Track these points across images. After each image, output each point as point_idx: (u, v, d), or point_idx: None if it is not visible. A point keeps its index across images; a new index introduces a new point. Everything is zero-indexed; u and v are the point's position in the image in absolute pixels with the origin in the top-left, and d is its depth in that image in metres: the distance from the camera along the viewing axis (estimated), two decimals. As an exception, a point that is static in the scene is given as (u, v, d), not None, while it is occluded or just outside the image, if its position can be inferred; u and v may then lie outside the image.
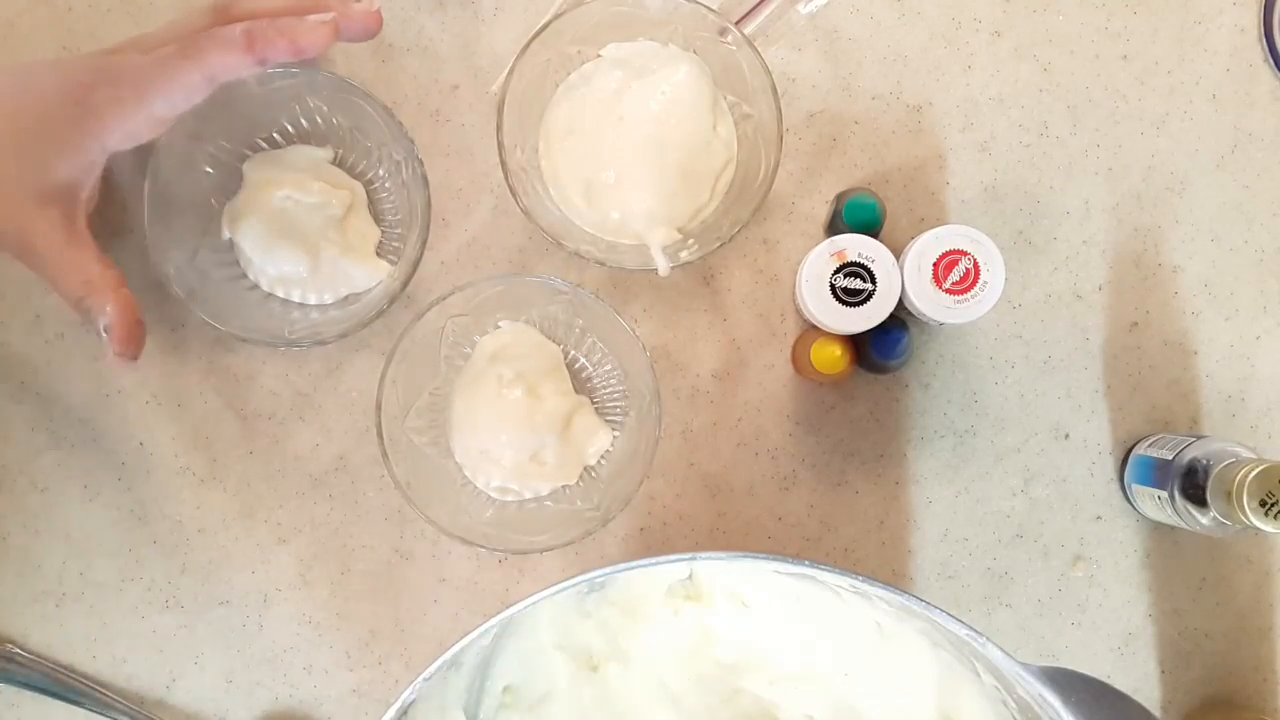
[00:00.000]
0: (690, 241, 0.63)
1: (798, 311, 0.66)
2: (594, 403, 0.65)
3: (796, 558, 0.51)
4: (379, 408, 0.60)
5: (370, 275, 0.64)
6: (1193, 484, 0.60)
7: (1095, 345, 0.67)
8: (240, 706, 0.65)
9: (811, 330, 0.65)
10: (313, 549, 0.66)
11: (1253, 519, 0.56)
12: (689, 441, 0.66)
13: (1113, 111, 0.67)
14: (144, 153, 0.59)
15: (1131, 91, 0.67)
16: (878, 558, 0.67)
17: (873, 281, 0.60)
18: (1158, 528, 0.67)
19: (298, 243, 0.63)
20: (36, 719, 0.65)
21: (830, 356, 0.62)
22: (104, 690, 0.65)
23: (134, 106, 0.54)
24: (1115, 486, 0.67)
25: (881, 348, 0.63)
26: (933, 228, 0.60)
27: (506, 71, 0.62)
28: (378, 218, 0.66)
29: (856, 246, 0.60)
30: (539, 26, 0.61)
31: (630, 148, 0.63)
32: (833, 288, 0.60)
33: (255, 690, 0.65)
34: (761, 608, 0.58)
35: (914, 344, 0.65)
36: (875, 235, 0.63)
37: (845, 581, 0.51)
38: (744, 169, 0.64)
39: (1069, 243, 0.67)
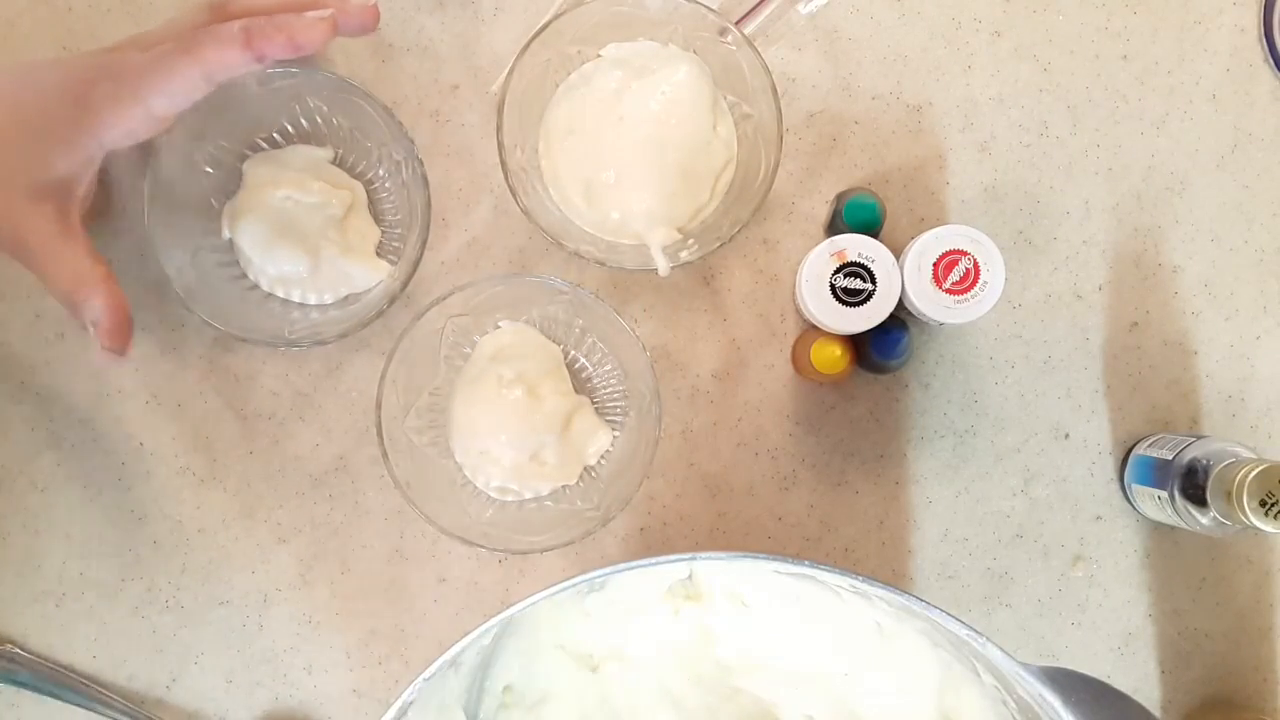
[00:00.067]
0: (690, 241, 0.63)
1: (798, 311, 0.66)
2: (594, 403, 0.65)
3: (796, 558, 0.51)
4: (379, 408, 0.60)
5: (370, 275, 0.64)
6: (1193, 484, 0.60)
7: (1095, 345, 0.67)
8: (240, 706, 0.65)
9: (811, 330, 0.65)
10: (313, 549, 0.66)
11: (1253, 519, 0.56)
12: (689, 441, 0.66)
13: (1113, 111, 0.67)
14: (144, 152, 0.60)
15: (1131, 91, 0.67)
16: (878, 558, 0.67)
17: (873, 281, 0.60)
18: (1158, 528, 0.67)
19: (298, 243, 0.63)
20: (36, 719, 0.65)
21: (830, 356, 0.62)
22: (104, 690, 0.65)
23: (132, 104, 0.54)
24: (1115, 486, 0.67)
25: (881, 348, 0.63)
26: (933, 228, 0.60)
27: (506, 71, 0.62)
28: (378, 218, 0.66)
29: (856, 246, 0.60)
30: (539, 26, 0.61)
31: (630, 148, 0.63)
32: (833, 288, 0.60)
33: (255, 690, 0.65)
34: (761, 608, 0.58)
35: (914, 344, 0.65)
36: (875, 235, 0.63)
37: (845, 581, 0.51)
38: (744, 169, 0.64)
39: (1069, 243, 0.67)
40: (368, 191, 0.65)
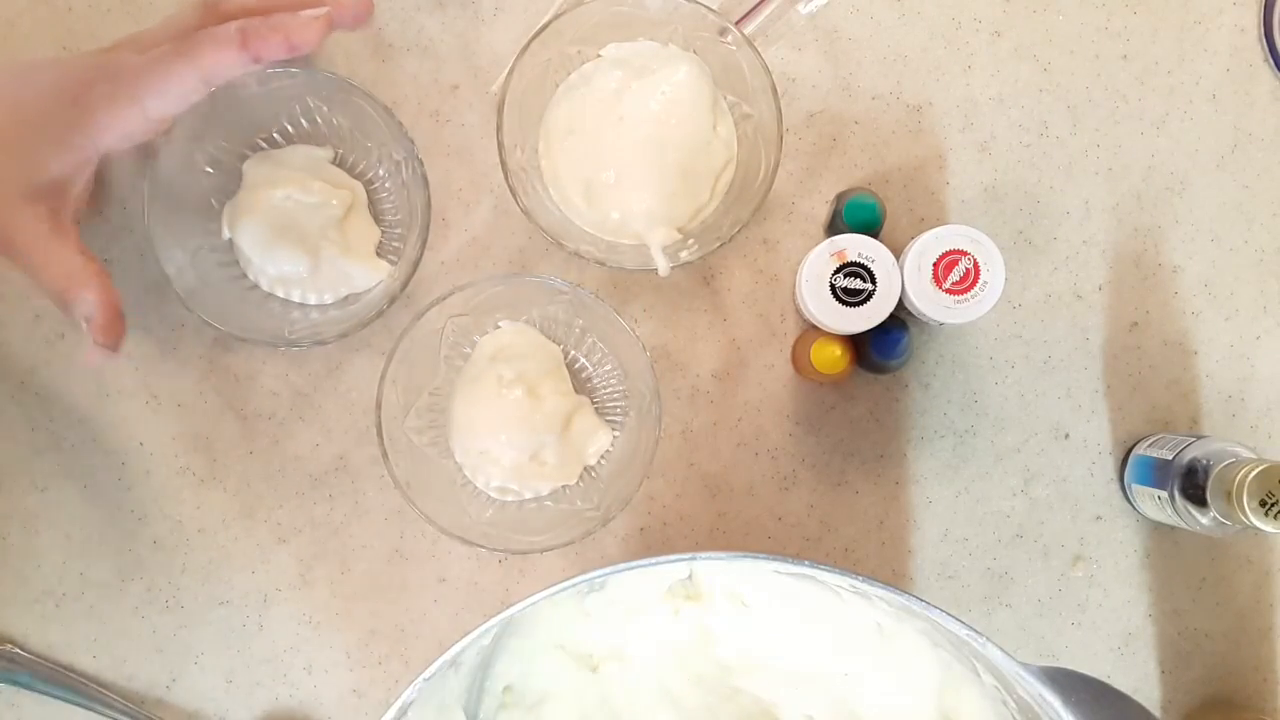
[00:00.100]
0: (690, 241, 0.63)
1: (798, 311, 0.66)
2: (594, 403, 0.65)
3: (796, 558, 0.51)
4: (379, 408, 0.60)
5: (370, 275, 0.64)
6: (1193, 484, 0.60)
7: (1095, 345, 0.67)
8: (240, 706, 0.65)
9: (811, 330, 0.65)
10: (313, 549, 0.66)
11: (1253, 519, 0.56)
12: (689, 441, 0.66)
13: (1113, 111, 0.67)
14: (144, 153, 0.60)
15: (1131, 91, 0.67)
16: (878, 558, 0.67)
17: (873, 281, 0.60)
18: (1158, 528, 0.67)
19: (297, 243, 0.63)
20: (36, 719, 0.65)
21: (830, 356, 0.62)
22: (104, 690, 0.64)
23: (128, 106, 0.54)
24: (1115, 486, 0.67)
25: (881, 348, 0.63)
26: (933, 228, 0.60)
27: (506, 71, 0.62)
28: (378, 218, 0.66)
29: (856, 246, 0.60)
30: (539, 26, 0.61)
31: (630, 148, 0.63)
32: (833, 288, 0.60)
33: (255, 690, 0.65)
34: (761, 608, 0.58)
35: (914, 344, 0.65)
36: (875, 235, 0.63)
37: (845, 581, 0.51)
38: (744, 169, 0.64)
39: (1069, 243, 0.67)
40: (368, 191, 0.65)
